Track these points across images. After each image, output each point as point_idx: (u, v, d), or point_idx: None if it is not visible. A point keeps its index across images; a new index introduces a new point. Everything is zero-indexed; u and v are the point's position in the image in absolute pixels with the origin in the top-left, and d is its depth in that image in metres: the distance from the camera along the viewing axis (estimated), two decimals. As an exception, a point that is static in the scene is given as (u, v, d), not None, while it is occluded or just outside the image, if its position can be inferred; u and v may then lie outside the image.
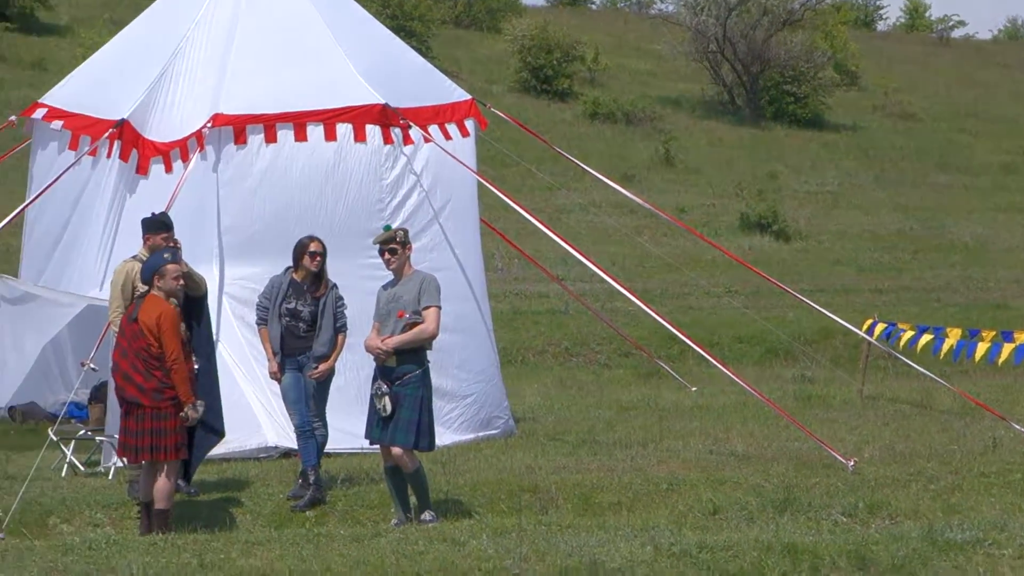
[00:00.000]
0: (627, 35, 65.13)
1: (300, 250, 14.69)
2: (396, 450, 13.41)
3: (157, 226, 14.55)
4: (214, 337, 16.11)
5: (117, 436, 14.55)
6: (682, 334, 18.61)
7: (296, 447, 15.07)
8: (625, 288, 19.07)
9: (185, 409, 13.03)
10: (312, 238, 14.73)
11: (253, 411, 16.68)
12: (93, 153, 17.74)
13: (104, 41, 21.58)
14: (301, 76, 17.68)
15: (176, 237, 14.52)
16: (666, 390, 23.59)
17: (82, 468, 16.13)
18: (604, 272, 18.91)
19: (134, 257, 14.75)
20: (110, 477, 15.64)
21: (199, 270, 14.91)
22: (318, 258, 14.62)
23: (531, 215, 18.84)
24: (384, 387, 13.41)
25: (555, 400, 22.60)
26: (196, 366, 13.56)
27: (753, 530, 12.63)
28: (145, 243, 14.59)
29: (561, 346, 29.07)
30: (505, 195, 18.53)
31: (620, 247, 36.18)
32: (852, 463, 15.51)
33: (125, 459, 14.01)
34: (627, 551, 11.47)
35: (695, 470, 15.76)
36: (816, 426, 18.19)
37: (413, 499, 13.65)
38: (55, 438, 15.91)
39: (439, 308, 13.57)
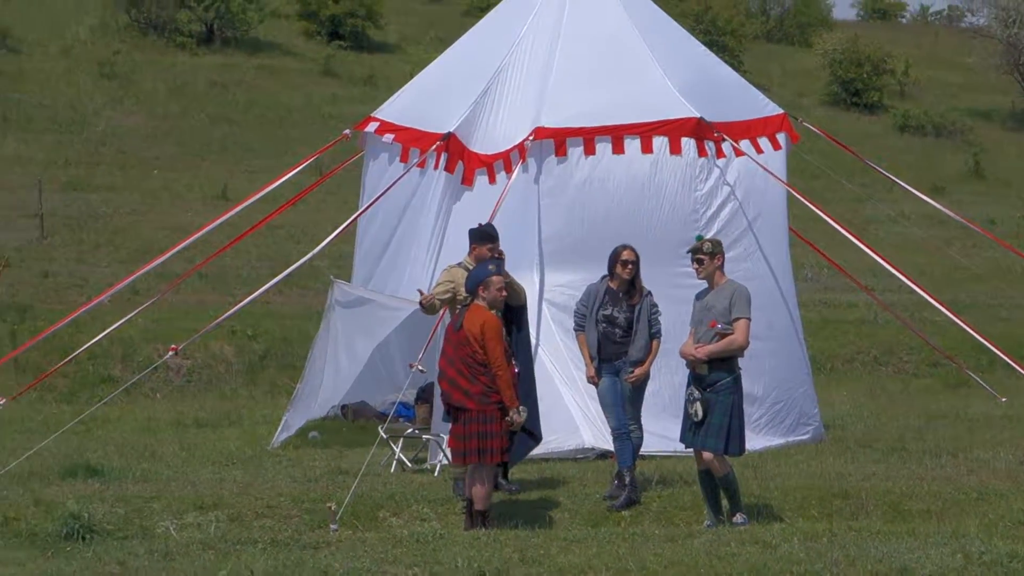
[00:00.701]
0: (937, 48, 63.80)
1: (614, 258, 14.71)
2: (707, 454, 13.38)
3: (483, 237, 14.73)
4: (534, 342, 16.33)
5: (443, 434, 14.88)
6: (991, 344, 18.20)
7: (612, 449, 15.09)
8: (934, 298, 18.74)
9: (510, 413, 13.18)
10: (625, 247, 14.73)
11: (571, 414, 16.77)
12: (422, 165, 18.06)
13: (431, 58, 21.93)
14: (619, 91, 17.72)
15: (500, 248, 14.72)
16: (975, 400, 23.05)
17: (409, 465, 16.41)
18: (913, 282, 18.61)
19: (459, 264, 14.98)
20: (435, 474, 15.88)
21: (520, 277, 15.09)
22: (630, 266, 14.62)
23: (841, 226, 18.65)
24: (696, 393, 13.39)
25: (864, 408, 22.26)
26: (516, 370, 13.71)
27: (1065, 541, 12.28)
28: (471, 252, 14.77)
29: (870, 355, 28.62)
30: (815, 206, 18.37)
31: (929, 258, 35.44)
32: None
33: (451, 458, 14.23)
34: (937, 559, 11.27)
35: (1005, 480, 15.35)
36: None
37: (725, 501, 13.61)
38: (384, 436, 16.20)
39: (749, 320, 13.45)
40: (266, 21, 51.92)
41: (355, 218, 19.14)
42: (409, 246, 18.46)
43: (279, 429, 17.87)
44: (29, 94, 44.21)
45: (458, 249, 15.63)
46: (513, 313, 14.28)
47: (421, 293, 14.92)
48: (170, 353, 19.30)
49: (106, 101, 44.31)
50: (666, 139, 17.44)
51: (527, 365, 14.64)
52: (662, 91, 17.80)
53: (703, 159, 17.51)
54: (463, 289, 14.08)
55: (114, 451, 17.25)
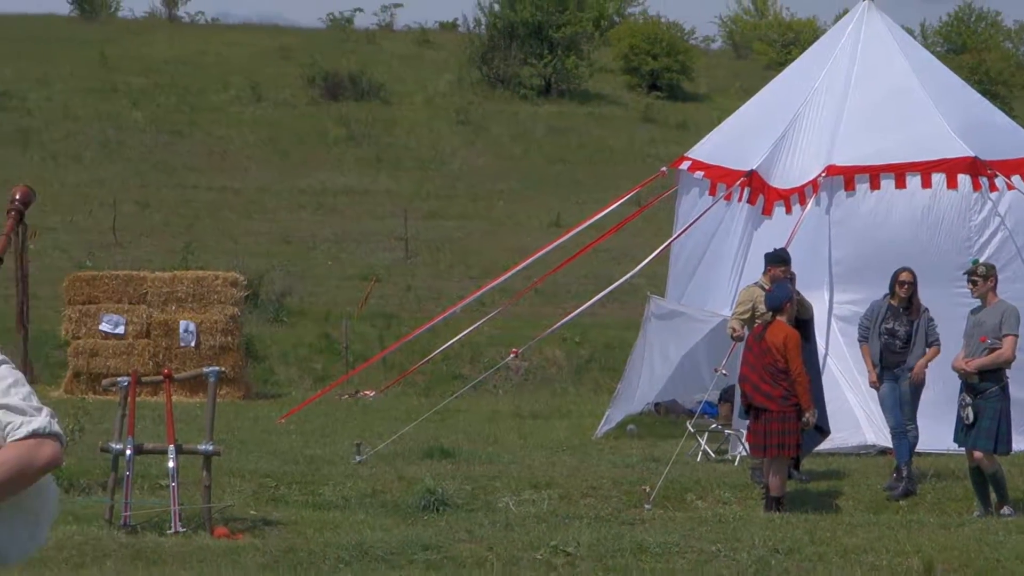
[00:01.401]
0: None
1: (894, 279, 14.44)
2: (977, 453, 13.06)
3: (777, 260, 14.64)
4: (824, 351, 16.13)
5: (741, 429, 14.76)
6: None
7: (891, 446, 14.81)
8: None
9: (806, 415, 13.06)
10: (904, 269, 14.44)
11: (855, 415, 16.45)
12: (728, 198, 17.96)
13: (736, 106, 21.79)
14: (902, 133, 17.36)
15: (791, 269, 14.62)
16: None
17: (713, 455, 16.29)
18: None
19: (756, 284, 14.89)
20: (735, 464, 15.73)
21: (811, 295, 14.94)
22: (906, 286, 14.31)
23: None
24: (967, 399, 13.12)
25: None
26: (807, 375, 13.56)
27: None
28: (766, 273, 14.70)
29: None
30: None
31: None
32: None
33: (750, 451, 14.10)
34: None
35: None
36: None
37: (993, 495, 13.19)
38: (692, 430, 16.14)
39: (1016, 336, 13.17)
40: (595, 76, 52.32)
41: (669, 243, 19.14)
42: (716, 267, 18.38)
43: (602, 422, 17.92)
44: (398, 138, 45.39)
45: (758, 270, 15.51)
46: (802, 325, 14.12)
47: (735, 330, 14.78)
48: (511, 356, 19.59)
49: (460, 144, 45.20)
50: (944, 175, 17.02)
51: (815, 370, 14.45)
52: (940, 133, 17.38)
53: (977, 193, 17.02)
54: (761, 306, 14.00)
55: (463, 437, 17.53)
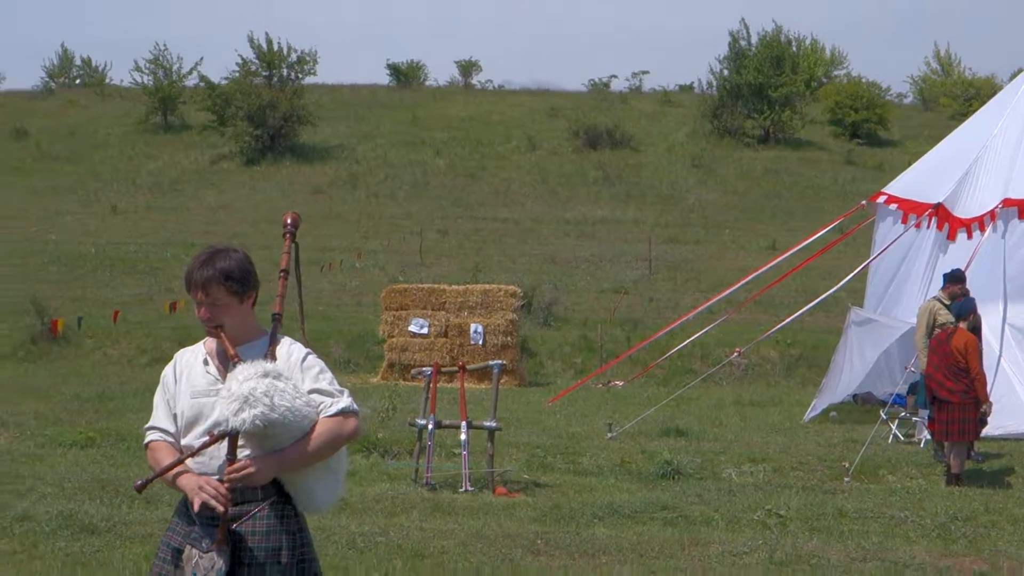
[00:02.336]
0: None
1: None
2: None
3: (953, 279, 14.35)
4: (998, 354, 15.57)
5: (925, 417, 14.31)
6: None
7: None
8: None
9: (984, 406, 12.65)
10: None
11: (1024, 406, 15.86)
12: (918, 226, 17.54)
13: (925, 150, 21.17)
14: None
15: (967, 287, 14.18)
16: None
17: (902, 439, 15.84)
18: None
19: (934, 298, 14.51)
20: (921, 446, 15.23)
21: (988, 307, 14.53)
22: None
23: None
24: None
25: None
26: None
27: None
28: (944, 289, 14.37)
29: None
30: None
31: None
32: None
33: (934, 437, 13.66)
34: None
35: None
36: None
37: None
38: (884, 417, 15.73)
39: None
40: (806, 127, 51.44)
41: (868, 263, 18.74)
42: (906, 283, 17.99)
43: (809, 409, 17.59)
44: (644, 179, 45.39)
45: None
46: (972, 331, 13.67)
47: (922, 351, 14.26)
48: (735, 354, 19.40)
49: (694, 183, 44.95)
50: (1107, 206, 16.27)
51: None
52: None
53: None
54: (939, 316, 13.68)
55: (694, 420, 17.41)
